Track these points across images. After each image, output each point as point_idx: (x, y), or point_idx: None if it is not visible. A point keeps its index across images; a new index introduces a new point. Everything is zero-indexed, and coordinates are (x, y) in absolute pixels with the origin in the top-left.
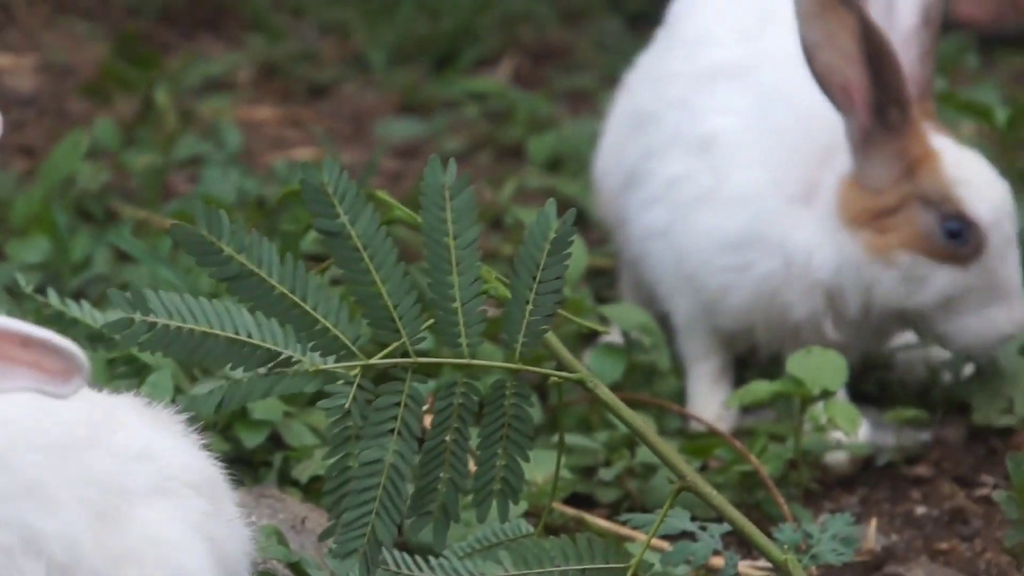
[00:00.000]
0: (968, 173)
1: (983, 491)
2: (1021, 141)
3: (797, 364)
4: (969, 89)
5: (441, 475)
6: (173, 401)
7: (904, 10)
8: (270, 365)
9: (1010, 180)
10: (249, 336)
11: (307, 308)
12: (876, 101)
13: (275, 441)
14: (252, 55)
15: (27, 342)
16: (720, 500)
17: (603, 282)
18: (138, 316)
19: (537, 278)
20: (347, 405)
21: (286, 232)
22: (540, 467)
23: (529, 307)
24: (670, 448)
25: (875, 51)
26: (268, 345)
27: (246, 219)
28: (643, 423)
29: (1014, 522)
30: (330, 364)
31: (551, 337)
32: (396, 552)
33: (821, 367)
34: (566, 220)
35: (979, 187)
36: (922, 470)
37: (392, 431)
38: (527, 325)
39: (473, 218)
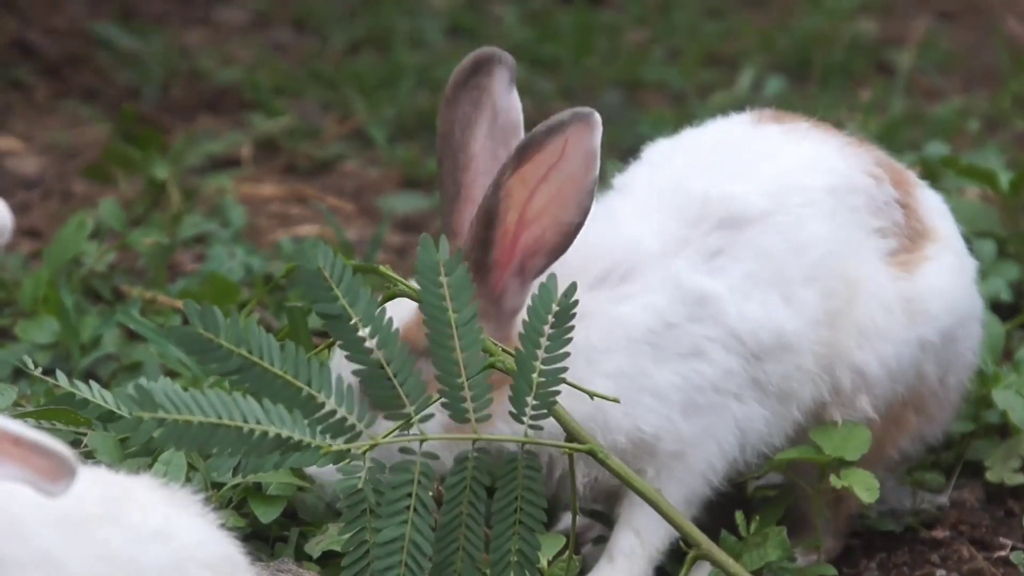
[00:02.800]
0: None
1: (1002, 553)
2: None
3: (821, 435)
4: (972, 154)
5: (457, 549)
6: (188, 479)
7: None
8: (280, 451)
9: (1014, 243)
10: (258, 422)
11: (312, 392)
12: None
13: (290, 516)
14: (253, 133)
15: (18, 441)
16: (736, 567)
17: None
18: (147, 415)
19: (542, 350)
20: (360, 484)
21: (293, 308)
22: (545, 550)
23: (536, 379)
24: (681, 516)
25: None
26: (277, 431)
27: (253, 297)
28: (656, 493)
29: None
30: (339, 445)
31: (560, 408)
32: None
33: (845, 438)
34: (568, 293)
35: None
36: (940, 533)
37: (408, 507)
38: (535, 398)
39: (470, 293)
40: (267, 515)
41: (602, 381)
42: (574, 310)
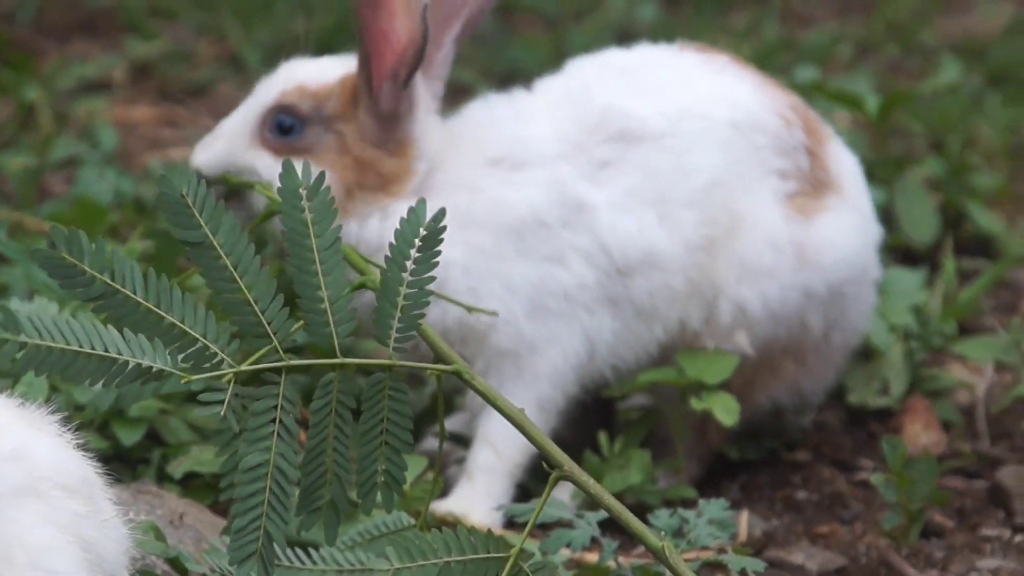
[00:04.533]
0: None
1: (862, 475)
2: (892, 129)
3: (685, 358)
4: (842, 79)
5: (326, 472)
6: (48, 401)
7: None
8: (142, 380)
9: (883, 168)
10: (119, 352)
11: (174, 320)
12: None
13: (153, 438)
14: (127, 57)
15: None
16: (597, 488)
17: None
18: (10, 337)
19: (408, 272)
20: (223, 412)
21: (159, 232)
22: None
23: (401, 301)
24: (546, 437)
25: None
26: (139, 360)
27: (123, 219)
28: (519, 412)
29: (892, 505)
30: (202, 374)
31: (427, 328)
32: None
33: (710, 362)
34: (437, 217)
35: None
36: (802, 455)
37: (272, 434)
38: (400, 319)
39: (333, 217)
40: (129, 437)
41: (462, 250)
42: (442, 235)
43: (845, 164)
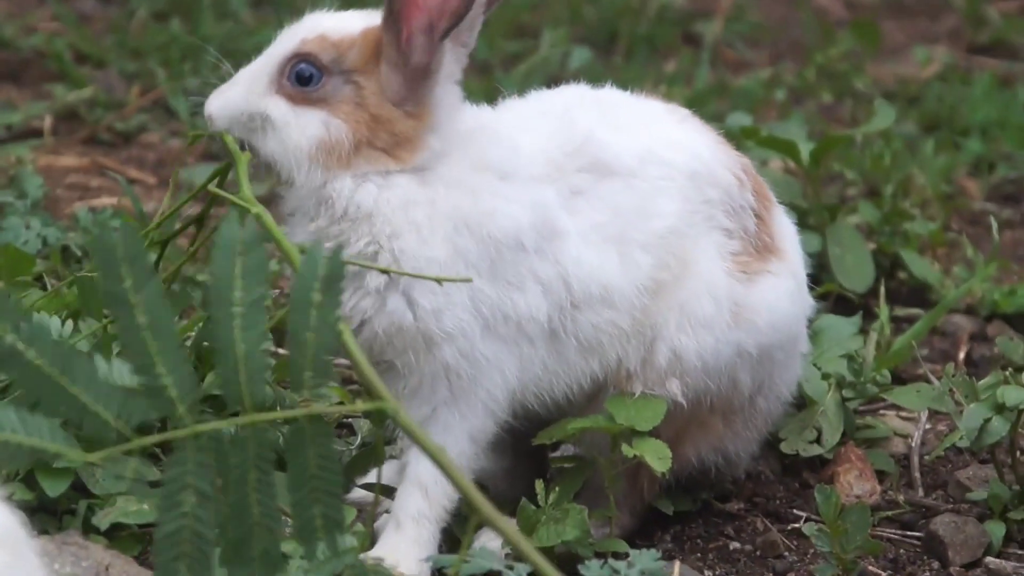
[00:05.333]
0: None
1: (795, 524)
2: (826, 175)
3: (614, 404)
4: (775, 125)
5: (253, 525)
6: None
7: None
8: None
9: (817, 215)
10: (14, 431)
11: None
12: None
13: (79, 488)
14: (54, 104)
15: None
16: (518, 537)
17: None
18: None
19: (312, 318)
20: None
21: (83, 279)
22: None
23: (310, 349)
24: (470, 483)
25: None
26: (34, 443)
27: (49, 268)
28: (442, 452)
29: (826, 555)
30: (99, 453)
31: (360, 359)
32: None
33: (640, 409)
34: (335, 259)
35: None
36: (735, 505)
37: (185, 500)
38: (312, 367)
39: (263, 276)
40: (54, 488)
41: (447, 252)
42: (343, 279)
43: (787, 231)
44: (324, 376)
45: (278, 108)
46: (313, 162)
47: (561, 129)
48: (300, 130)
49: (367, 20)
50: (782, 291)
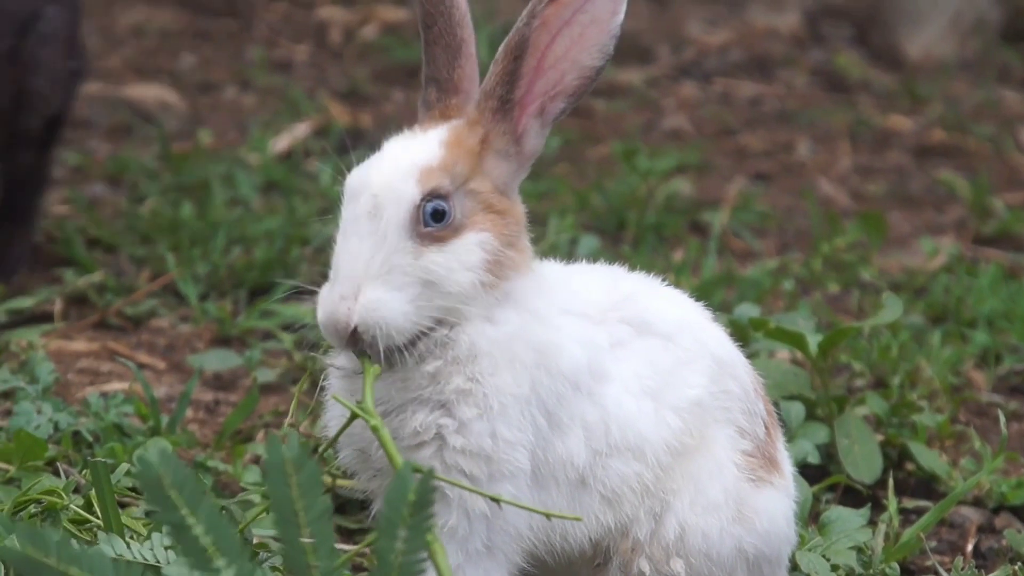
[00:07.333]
0: None
1: None
2: (833, 366)
3: None
4: (783, 316)
5: None
6: None
7: None
8: None
9: (823, 406)
10: None
11: None
12: None
13: None
14: (64, 288)
15: None
16: None
17: None
18: None
19: (400, 542)
20: None
21: (96, 464)
22: None
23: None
24: None
25: None
26: None
27: (60, 454)
28: None
29: None
30: None
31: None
32: None
33: None
34: (424, 483)
35: None
36: None
37: None
38: None
39: (320, 488)
40: None
41: (519, 370)
42: (432, 503)
43: (787, 457)
44: None
45: (433, 259)
46: (483, 289)
47: (605, 280)
48: (462, 264)
49: (413, 140)
50: (781, 507)
